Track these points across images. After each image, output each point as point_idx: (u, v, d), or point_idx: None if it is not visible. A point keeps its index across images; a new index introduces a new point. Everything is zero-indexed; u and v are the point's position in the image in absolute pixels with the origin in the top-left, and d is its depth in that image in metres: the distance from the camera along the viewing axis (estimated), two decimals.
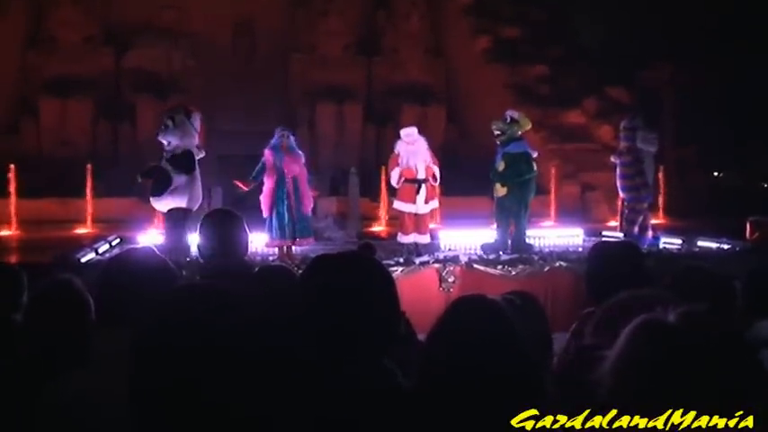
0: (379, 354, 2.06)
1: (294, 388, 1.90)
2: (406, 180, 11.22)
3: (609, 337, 1.66)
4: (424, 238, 11.42)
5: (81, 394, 2.15)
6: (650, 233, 12.42)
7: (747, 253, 11.76)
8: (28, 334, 3.04)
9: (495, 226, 11.60)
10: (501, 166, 11.21)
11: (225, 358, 1.56)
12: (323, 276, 2.14)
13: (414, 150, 11.16)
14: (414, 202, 11.19)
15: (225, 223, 3.82)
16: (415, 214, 11.28)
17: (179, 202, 10.60)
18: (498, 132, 11.32)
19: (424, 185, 11.15)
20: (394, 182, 11.34)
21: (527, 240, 11.54)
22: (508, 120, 11.37)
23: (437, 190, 11.61)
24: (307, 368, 2.01)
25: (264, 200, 10.94)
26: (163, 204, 10.63)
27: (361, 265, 2.18)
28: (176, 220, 10.60)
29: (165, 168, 10.60)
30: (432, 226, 12.44)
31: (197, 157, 10.84)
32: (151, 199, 10.73)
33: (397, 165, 11.21)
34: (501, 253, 11.27)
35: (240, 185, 11.32)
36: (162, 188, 10.56)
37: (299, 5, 22.00)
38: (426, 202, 11.25)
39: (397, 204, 11.46)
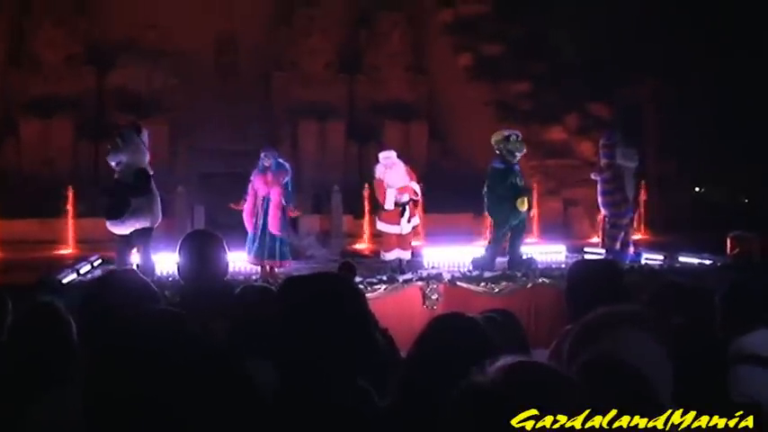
0: (351, 373, 2.06)
1: (262, 410, 1.90)
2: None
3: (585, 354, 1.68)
4: (407, 254, 11.54)
5: (63, 415, 2.15)
6: (632, 249, 12.49)
7: (728, 268, 11.83)
8: (10, 356, 3.03)
9: (488, 241, 11.80)
10: (520, 181, 11.58)
11: (184, 384, 1.58)
12: (292, 297, 2.14)
13: (393, 173, 11.31)
14: (398, 224, 11.34)
15: (204, 244, 3.79)
16: (398, 234, 11.42)
17: (142, 222, 10.47)
18: (519, 155, 11.69)
19: (407, 207, 11.30)
20: (390, 205, 11.44)
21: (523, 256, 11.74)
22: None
23: (418, 206, 11.72)
24: (277, 390, 2.02)
25: (246, 218, 11.13)
26: (124, 227, 10.48)
27: (330, 285, 2.18)
28: (141, 240, 10.49)
29: (122, 190, 10.44)
30: (414, 243, 12.52)
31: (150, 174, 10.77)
32: (109, 223, 10.49)
33: (384, 187, 11.35)
34: (484, 270, 11.37)
35: (235, 207, 11.43)
36: (120, 211, 10.38)
37: (281, 24, 22.04)
38: (408, 221, 11.39)
39: (382, 226, 11.58)
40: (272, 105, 21.70)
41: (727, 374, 2.84)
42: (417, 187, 11.46)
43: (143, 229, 10.44)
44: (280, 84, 21.59)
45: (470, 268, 11.47)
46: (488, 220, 12.47)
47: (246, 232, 11.29)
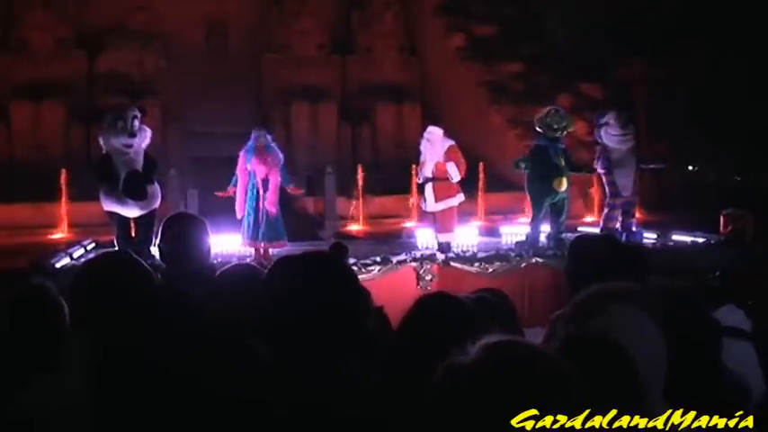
0: (341, 351, 2.06)
1: (253, 387, 1.90)
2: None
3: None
4: (446, 236, 11.45)
5: (53, 399, 2.14)
6: (633, 229, 12.36)
7: (721, 246, 11.87)
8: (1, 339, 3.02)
9: (531, 221, 11.93)
10: (562, 161, 11.56)
11: (183, 362, 1.58)
12: (281, 277, 2.14)
13: (432, 150, 11.31)
14: (424, 200, 11.40)
15: (186, 227, 3.82)
16: (433, 213, 11.43)
17: (154, 204, 10.53)
18: (560, 129, 11.73)
19: (429, 184, 11.27)
20: (419, 180, 11.71)
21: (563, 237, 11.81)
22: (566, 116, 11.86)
23: (454, 187, 11.55)
24: (267, 367, 2.01)
25: (239, 200, 11.08)
26: (140, 209, 10.47)
27: (319, 265, 2.17)
28: (149, 223, 10.51)
29: (138, 172, 10.44)
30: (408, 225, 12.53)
31: None
32: (135, 203, 10.44)
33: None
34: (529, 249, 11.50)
35: (221, 195, 11.38)
36: (144, 192, 10.41)
37: (272, 6, 21.93)
38: (438, 200, 11.30)
39: (421, 203, 11.78)
40: (263, 88, 21.63)
41: (720, 349, 2.85)
42: (452, 167, 11.30)
43: (152, 211, 10.48)
44: (271, 66, 21.50)
45: (517, 250, 11.54)
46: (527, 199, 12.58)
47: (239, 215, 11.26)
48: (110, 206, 10.46)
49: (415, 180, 11.74)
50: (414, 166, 12.92)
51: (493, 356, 1.39)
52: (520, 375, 1.36)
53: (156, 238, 10.36)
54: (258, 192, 11.02)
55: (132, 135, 10.35)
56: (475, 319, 2.19)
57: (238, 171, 11.15)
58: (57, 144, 19.08)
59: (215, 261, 5.06)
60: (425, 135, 11.55)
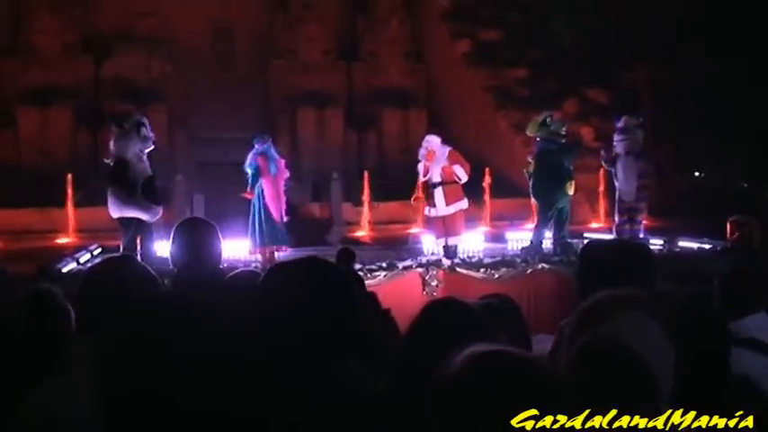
0: (340, 357, 2.04)
1: (255, 394, 1.90)
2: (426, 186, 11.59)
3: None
4: (454, 239, 11.52)
5: (60, 403, 2.14)
6: (640, 236, 12.34)
7: (728, 252, 11.84)
8: (6, 343, 3.02)
9: (536, 226, 11.95)
10: (570, 164, 11.73)
11: (189, 366, 1.58)
12: (277, 283, 2.12)
13: (434, 158, 11.39)
14: (434, 205, 11.42)
15: (197, 231, 3.77)
16: (442, 217, 11.44)
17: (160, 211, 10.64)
18: (565, 133, 11.84)
19: (439, 188, 11.31)
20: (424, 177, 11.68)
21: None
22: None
23: (461, 190, 11.62)
24: (268, 374, 2.01)
25: (274, 204, 11.08)
26: (157, 214, 10.57)
27: (317, 270, 2.16)
28: (151, 229, 10.58)
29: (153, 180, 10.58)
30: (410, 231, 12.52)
31: None
32: (158, 209, 10.54)
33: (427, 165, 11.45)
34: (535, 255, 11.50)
35: (247, 196, 11.45)
36: (157, 197, 10.54)
37: (278, 11, 21.97)
38: (449, 204, 11.36)
39: (426, 210, 11.75)
40: (269, 93, 21.65)
41: (728, 356, 2.83)
42: (458, 169, 11.37)
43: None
44: (277, 72, 21.52)
45: (523, 256, 11.59)
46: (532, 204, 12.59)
47: (246, 220, 11.30)
48: (128, 212, 10.49)
49: (420, 185, 11.66)
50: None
51: (475, 366, 1.40)
52: (503, 385, 1.36)
53: (156, 243, 10.48)
54: (282, 196, 11.23)
55: (154, 143, 10.62)
56: (483, 325, 2.19)
57: (264, 174, 11.16)
58: (63, 149, 19.11)
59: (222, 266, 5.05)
60: (423, 144, 11.62)
